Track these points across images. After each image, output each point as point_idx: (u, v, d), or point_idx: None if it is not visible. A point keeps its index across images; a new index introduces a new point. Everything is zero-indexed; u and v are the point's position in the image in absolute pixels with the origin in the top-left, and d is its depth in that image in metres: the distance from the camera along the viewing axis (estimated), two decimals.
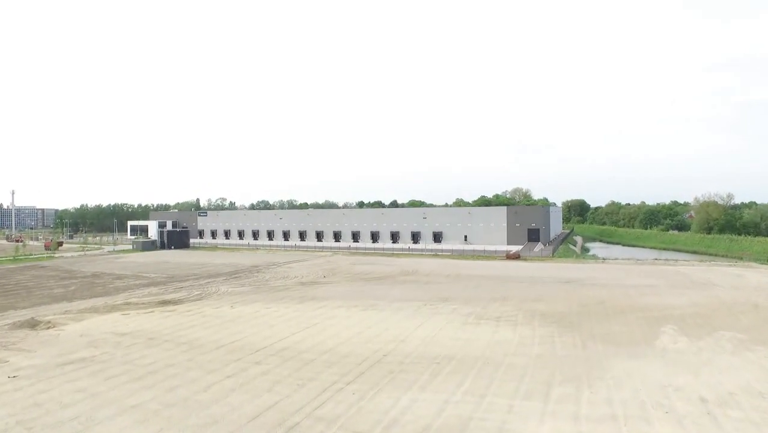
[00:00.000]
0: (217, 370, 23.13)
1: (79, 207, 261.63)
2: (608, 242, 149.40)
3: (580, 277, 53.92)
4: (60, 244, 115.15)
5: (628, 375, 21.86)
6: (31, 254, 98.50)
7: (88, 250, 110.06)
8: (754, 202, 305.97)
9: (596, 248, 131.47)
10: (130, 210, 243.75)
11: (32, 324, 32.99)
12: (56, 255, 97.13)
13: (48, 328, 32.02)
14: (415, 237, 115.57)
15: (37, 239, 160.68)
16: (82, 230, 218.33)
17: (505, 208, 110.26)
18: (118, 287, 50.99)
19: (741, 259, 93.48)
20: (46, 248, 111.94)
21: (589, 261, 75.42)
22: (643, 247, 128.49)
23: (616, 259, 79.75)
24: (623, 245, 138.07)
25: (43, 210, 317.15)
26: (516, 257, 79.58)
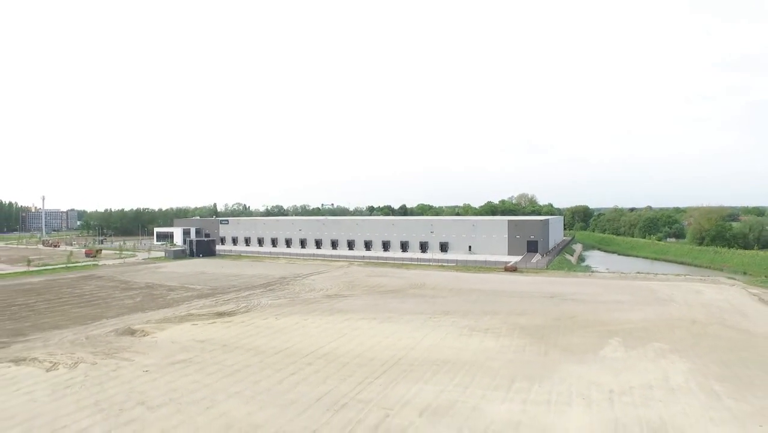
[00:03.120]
0: (283, 369, 33.08)
1: (103, 211, 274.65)
2: (606, 251, 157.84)
3: (564, 292, 63.30)
4: (99, 251, 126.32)
5: (569, 375, 31.47)
6: (78, 262, 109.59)
7: (124, 257, 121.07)
8: (757, 208, 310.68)
9: (593, 256, 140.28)
10: (151, 215, 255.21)
11: (131, 332, 43.26)
12: (99, 263, 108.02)
13: (144, 335, 42.23)
14: (423, 247, 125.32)
15: (71, 244, 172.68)
16: (107, 234, 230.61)
17: (506, 221, 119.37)
18: (175, 298, 61.27)
19: (721, 270, 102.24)
20: (87, 255, 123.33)
21: (579, 274, 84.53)
22: (637, 256, 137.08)
23: (603, 272, 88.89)
24: (619, 254, 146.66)
25: (67, 213, 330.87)
26: (513, 269, 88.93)
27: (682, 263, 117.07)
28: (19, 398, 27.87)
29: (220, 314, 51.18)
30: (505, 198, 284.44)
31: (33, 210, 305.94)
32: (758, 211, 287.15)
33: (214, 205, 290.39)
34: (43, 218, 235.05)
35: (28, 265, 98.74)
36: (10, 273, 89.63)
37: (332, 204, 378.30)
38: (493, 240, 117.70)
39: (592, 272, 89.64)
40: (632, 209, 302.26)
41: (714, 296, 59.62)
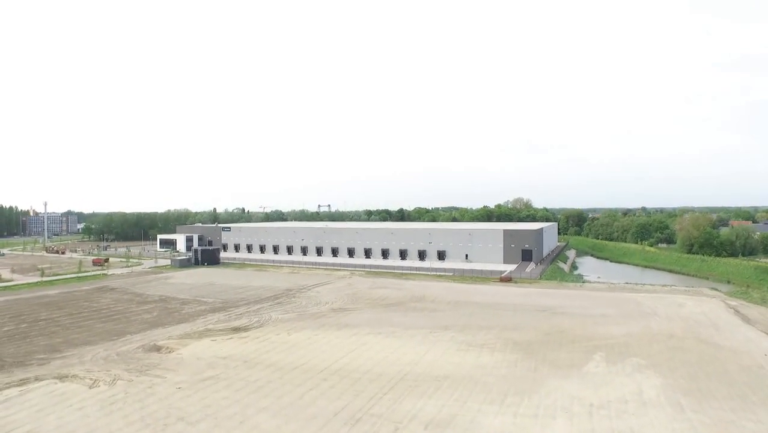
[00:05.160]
0: (302, 384, 37.12)
1: (103, 214, 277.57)
2: (598, 257, 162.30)
3: (555, 305, 67.52)
4: (107, 260, 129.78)
5: (555, 390, 35.65)
6: (87, 271, 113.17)
7: (132, 265, 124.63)
8: (747, 211, 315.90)
9: (585, 263, 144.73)
10: (152, 219, 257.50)
11: (157, 348, 47.19)
12: (108, 272, 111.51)
13: (169, 352, 46.16)
14: (422, 255, 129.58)
15: (75, 251, 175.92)
16: (108, 239, 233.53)
17: (501, 230, 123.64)
18: (190, 313, 65.14)
19: (707, 279, 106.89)
20: (95, 263, 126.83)
21: (570, 285, 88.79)
22: (628, 263, 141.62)
23: (593, 282, 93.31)
24: (611, 261, 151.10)
25: (67, 217, 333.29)
26: (508, 279, 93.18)
27: (671, 271, 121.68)
28: (74, 414, 31.81)
29: (236, 330, 55.11)
30: (501, 202, 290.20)
31: (32, 214, 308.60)
32: (749, 215, 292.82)
33: (214, 210, 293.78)
34: (46, 223, 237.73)
35: (42, 276, 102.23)
36: (25, 284, 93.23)
37: (329, 206, 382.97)
38: (489, 249, 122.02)
39: (583, 282, 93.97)
40: (626, 213, 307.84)
41: (693, 309, 63.98)
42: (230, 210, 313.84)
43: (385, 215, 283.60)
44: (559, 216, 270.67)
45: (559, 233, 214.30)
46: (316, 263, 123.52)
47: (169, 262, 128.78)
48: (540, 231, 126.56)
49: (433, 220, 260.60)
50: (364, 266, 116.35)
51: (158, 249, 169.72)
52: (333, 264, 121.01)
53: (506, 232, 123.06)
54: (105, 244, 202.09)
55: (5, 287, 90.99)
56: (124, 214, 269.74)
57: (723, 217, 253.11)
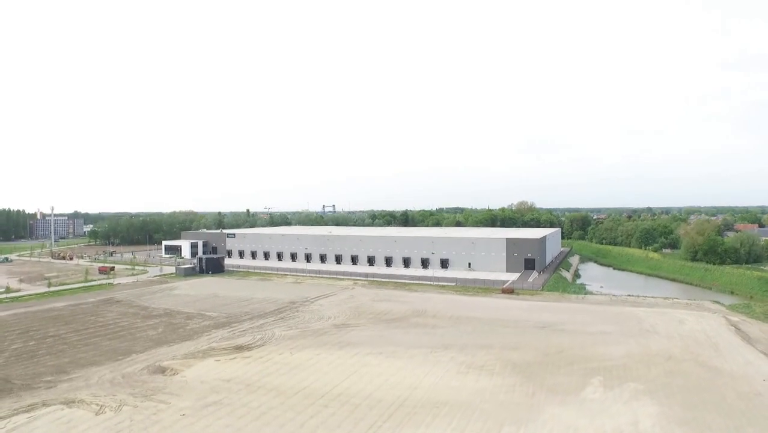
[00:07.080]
0: (303, 411, 37.80)
1: (109, 215, 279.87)
2: (602, 264, 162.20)
3: (555, 321, 67.91)
4: (112, 268, 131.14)
5: (552, 419, 36.15)
6: (94, 280, 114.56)
7: (137, 273, 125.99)
8: (763, 209, 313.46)
9: (588, 270, 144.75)
10: (157, 223, 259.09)
11: (161, 370, 48.03)
12: (114, 282, 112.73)
13: (174, 374, 46.98)
14: (425, 263, 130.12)
15: (82, 257, 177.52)
16: (114, 243, 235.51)
17: (504, 240, 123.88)
18: (194, 329, 66.02)
19: (710, 289, 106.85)
20: (101, 271, 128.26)
21: (571, 297, 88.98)
22: (632, 271, 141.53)
23: (595, 294, 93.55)
24: (615, 268, 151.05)
25: (74, 220, 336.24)
26: (510, 291, 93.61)
27: (674, 280, 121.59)
28: None
29: (239, 348, 55.88)
30: (505, 204, 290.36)
31: (39, 217, 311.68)
32: (755, 217, 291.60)
33: (219, 213, 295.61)
34: (53, 227, 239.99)
35: (49, 286, 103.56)
36: (33, 295, 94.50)
37: (333, 206, 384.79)
38: (492, 258, 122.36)
39: (585, 294, 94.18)
40: (631, 215, 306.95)
41: (694, 325, 64.21)
42: (235, 211, 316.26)
43: (389, 218, 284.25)
44: (563, 218, 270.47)
45: (563, 237, 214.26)
46: (319, 271, 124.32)
47: (173, 270, 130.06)
48: (543, 239, 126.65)
49: (437, 223, 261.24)
50: (367, 275, 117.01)
51: (163, 255, 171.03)
52: (336, 272, 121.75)
53: (509, 241, 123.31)
54: (111, 249, 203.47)
55: (14, 298, 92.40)
56: (129, 219, 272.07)
57: (729, 220, 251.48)
